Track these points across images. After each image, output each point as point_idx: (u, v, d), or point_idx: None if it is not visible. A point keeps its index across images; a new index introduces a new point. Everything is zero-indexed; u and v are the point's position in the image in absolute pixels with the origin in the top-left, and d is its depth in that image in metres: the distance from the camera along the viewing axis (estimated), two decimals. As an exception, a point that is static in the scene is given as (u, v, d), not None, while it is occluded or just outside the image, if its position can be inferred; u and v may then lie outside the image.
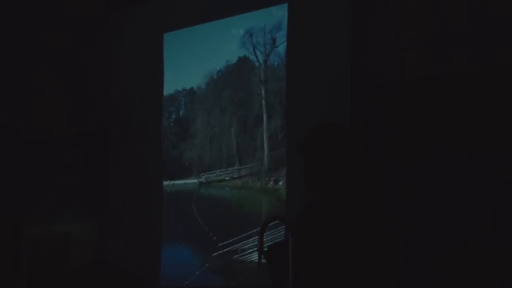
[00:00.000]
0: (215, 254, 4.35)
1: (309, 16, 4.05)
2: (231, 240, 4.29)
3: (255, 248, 2.97)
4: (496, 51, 3.43)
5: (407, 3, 3.70)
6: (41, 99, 5.29)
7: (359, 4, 3.85)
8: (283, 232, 3.62)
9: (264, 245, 2.77)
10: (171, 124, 4.79)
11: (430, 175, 3.54)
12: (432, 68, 3.60)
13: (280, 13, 4.22)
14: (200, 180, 4.59)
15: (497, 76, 3.41)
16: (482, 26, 3.48)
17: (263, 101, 4.35)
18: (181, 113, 4.78)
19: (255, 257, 4.02)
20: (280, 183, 4.19)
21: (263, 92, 4.37)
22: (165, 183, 4.72)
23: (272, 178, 4.26)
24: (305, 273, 2.71)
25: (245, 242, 4.22)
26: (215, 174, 4.52)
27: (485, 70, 3.44)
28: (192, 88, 4.72)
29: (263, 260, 2.78)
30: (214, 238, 4.38)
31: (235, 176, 4.41)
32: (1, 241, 5.25)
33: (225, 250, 4.33)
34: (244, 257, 4.21)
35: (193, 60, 4.62)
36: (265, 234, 2.71)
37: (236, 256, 4.26)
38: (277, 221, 2.85)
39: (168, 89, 4.77)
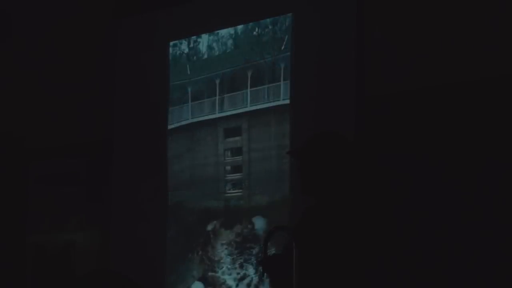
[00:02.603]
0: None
1: (314, 26, 4.07)
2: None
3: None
4: (505, 61, 3.46)
5: (413, 13, 3.74)
6: (46, 107, 5.28)
7: (365, 14, 3.89)
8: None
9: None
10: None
11: (434, 185, 3.56)
12: (436, 78, 3.64)
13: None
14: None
15: (506, 85, 3.45)
16: (490, 36, 3.51)
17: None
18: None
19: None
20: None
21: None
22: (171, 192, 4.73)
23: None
24: (309, 281, 2.69)
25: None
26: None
27: (492, 80, 3.47)
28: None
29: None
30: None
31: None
32: (5, 249, 5.24)
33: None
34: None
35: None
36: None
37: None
38: (281, 231, 2.82)
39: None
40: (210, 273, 4.42)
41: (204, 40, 4.65)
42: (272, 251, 3.01)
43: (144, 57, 4.81)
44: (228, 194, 4.45)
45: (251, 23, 4.44)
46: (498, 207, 3.37)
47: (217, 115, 4.53)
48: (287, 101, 4.21)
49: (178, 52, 4.76)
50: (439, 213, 3.53)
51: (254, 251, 4.24)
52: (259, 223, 4.27)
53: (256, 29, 4.42)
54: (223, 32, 4.55)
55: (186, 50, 4.73)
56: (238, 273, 4.30)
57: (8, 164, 5.37)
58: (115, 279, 2.88)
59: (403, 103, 3.72)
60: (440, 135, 3.57)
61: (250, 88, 4.39)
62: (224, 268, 4.36)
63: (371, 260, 2.75)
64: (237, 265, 4.32)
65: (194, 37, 4.67)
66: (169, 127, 4.73)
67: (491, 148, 3.42)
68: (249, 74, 4.41)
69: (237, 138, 4.44)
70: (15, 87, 5.41)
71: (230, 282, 4.31)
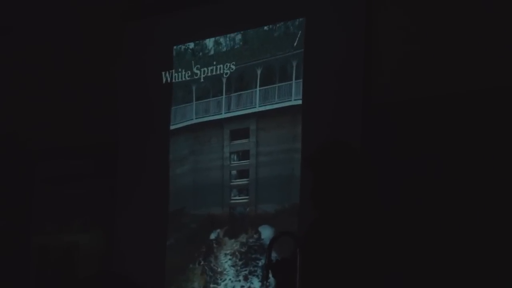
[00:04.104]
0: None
1: (323, 33, 4.06)
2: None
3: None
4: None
5: (420, 22, 3.81)
6: (53, 108, 5.33)
7: (373, 23, 3.93)
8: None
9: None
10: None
11: (441, 193, 3.62)
12: (442, 87, 3.71)
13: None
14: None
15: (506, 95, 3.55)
16: (497, 47, 3.58)
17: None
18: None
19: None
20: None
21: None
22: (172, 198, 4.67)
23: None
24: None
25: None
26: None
27: (497, 90, 3.56)
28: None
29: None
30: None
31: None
32: (9, 250, 5.29)
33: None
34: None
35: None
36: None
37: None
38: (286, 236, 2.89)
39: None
40: (212, 285, 4.32)
41: (210, 35, 4.62)
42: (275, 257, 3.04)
43: (151, 61, 4.81)
44: (233, 201, 4.36)
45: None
46: (501, 210, 3.46)
47: (223, 115, 4.44)
48: (299, 102, 4.14)
49: (182, 48, 4.70)
50: (446, 220, 3.59)
51: (260, 263, 4.14)
52: (266, 232, 4.17)
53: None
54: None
55: (192, 46, 4.66)
56: (242, 286, 4.20)
57: (14, 165, 5.43)
58: (118, 282, 2.89)
59: (410, 111, 3.79)
60: (445, 142, 3.65)
61: (259, 87, 4.30)
62: (227, 280, 4.27)
63: (377, 270, 2.80)
64: (241, 277, 4.22)
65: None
66: (172, 127, 4.68)
67: (493, 154, 3.52)
68: (259, 71, 4.31)
69: (244, 140, 4.35)
70: (22, 89, 5.49)
71: (233, 295, 4.25)
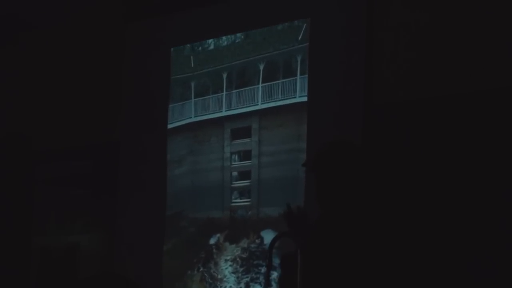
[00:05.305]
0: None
1: (326, 34, 4.05)
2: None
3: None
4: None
5: (421, 23, 3.83)
6: (53, 109, 5.37)
7: (374, 24, 3.93)
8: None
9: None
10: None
11: (443, 193, 3.63)
12: (445, 88, 3.73)
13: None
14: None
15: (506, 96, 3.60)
16: (497, 48, 3.61)
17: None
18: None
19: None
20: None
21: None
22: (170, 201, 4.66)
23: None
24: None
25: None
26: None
27: (498, 91, 3.59)
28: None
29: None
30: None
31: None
32: (10, 250, 5.32)
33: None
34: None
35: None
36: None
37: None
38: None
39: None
40: (211, 293, 4.33)
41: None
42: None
43: (151, 62, 4.80)
44: (234, 204, 4.31)
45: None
46: (503, 210, 3.49)
47: (224, 113, 4.40)
48: (304, 99, 4.09)
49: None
50: (448, 220, 3.60)
51: (262, 269, 4.08)
52: (269, 237, 4.02)
53: (270, 17, 4.41)
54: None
55: (191, 41, 4.73)
56: (243, 294, 4.19)
57: (15, 166, 5.48)
58: (119, 282, 2.79)
59: (411, 112, 3.80)
60: (447, 142, 3.67)
61: (262, 83, 4.26)
62: (227, 288, 4.19)
63: (379, 270, 2.81)
64: (242, 285, 4.17)
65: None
66: (169, 126, 4.65)
67: (494, 154, 3.56)
68: (261, 67, 4.27)
69: (246, 140, 4.31)
70: (24, 90, 5.56)
71: (234, 303, 4.21)
